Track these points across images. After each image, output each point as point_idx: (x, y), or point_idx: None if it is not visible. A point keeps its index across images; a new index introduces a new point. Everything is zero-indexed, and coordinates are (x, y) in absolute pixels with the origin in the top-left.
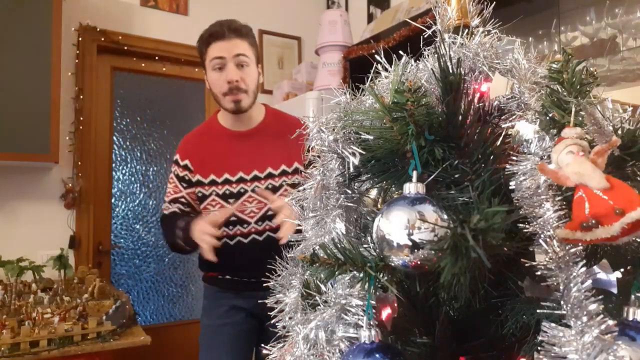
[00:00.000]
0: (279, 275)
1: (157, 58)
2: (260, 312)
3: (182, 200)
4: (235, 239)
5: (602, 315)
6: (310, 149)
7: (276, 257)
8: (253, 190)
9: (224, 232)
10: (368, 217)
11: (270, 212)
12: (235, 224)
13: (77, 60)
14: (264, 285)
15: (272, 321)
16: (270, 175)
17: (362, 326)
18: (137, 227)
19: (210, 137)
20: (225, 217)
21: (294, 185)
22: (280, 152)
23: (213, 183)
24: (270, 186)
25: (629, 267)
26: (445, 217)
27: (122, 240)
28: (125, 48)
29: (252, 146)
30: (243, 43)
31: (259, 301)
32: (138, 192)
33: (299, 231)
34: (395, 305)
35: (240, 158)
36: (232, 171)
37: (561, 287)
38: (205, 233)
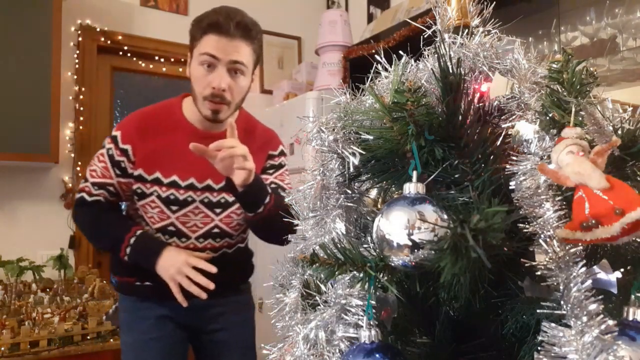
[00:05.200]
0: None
1: (157, 58)
2: (191, 323)
3: (110, 189)
4: None
5: (602, 315)
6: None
7: (212, 275)
8: (202, 202)
9: (159, 238)
10: (368, 217)
11: (215, 230)
12: (172, 234)
13: (77, 60)
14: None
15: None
16: (225, 189)
17: (362, 326)
18: None
19: (167, 127)
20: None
21: None
22: None
23: (156, 182)
24: (222, 201)
25: (629, 267)
26: (445, 217)
27: None
28: (125, 48)
29: None
30: (246, 47)
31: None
32: None
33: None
34: (396, 305)
35: (195, 162)
36: (183, 174)
37: (561, 287)
38: (188, 265)
